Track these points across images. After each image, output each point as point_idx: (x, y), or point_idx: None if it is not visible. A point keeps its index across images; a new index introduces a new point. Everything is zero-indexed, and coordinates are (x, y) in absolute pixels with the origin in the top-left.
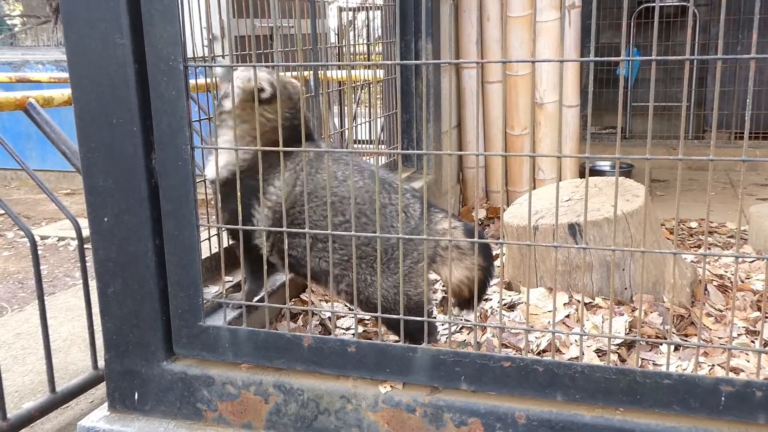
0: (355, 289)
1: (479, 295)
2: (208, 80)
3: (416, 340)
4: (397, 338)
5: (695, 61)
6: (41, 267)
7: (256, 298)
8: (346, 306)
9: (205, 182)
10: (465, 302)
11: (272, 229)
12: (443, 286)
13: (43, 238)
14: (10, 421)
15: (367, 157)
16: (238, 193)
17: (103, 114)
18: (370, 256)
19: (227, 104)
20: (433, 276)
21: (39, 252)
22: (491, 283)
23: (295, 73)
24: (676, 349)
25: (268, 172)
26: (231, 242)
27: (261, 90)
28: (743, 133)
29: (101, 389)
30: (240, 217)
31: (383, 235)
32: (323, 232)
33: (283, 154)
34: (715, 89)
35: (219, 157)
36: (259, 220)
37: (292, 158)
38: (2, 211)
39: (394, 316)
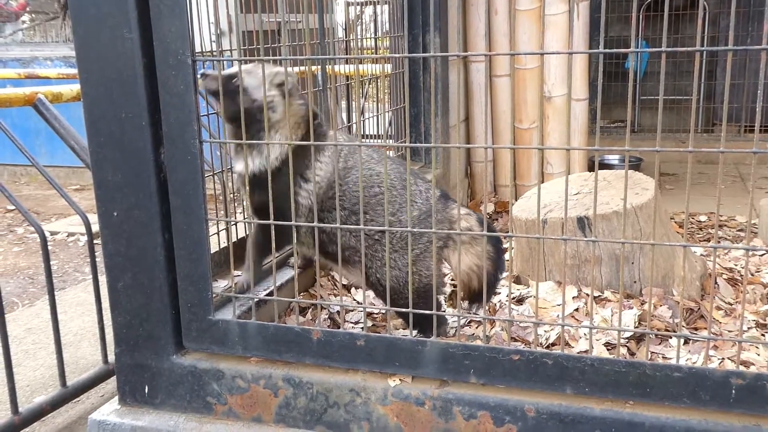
0: (369, 271)
1: (489, 288)
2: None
3: (425, 327)
4: (405, 327)
5: (705, 53)
6: (51, 262)
7: (264, 293)
8: (354, 301)
9: (213, 178)
10: (473, 296)
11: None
12: (452, 279)
13: (53, 233)
14: (22, 414)
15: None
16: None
17: (112, 109)
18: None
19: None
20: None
21: (49, 247)
22: (501, 276)
23: (302, 68)
24: (686, 342)
25: (308, 157)
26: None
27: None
28: (753, 126)
29: (112, 383)
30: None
31: (402, 227)
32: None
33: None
34: (725, 82)
35: (271, 149)
36: (303, 198)
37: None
38: (13, 207)
39: (404, 310)
